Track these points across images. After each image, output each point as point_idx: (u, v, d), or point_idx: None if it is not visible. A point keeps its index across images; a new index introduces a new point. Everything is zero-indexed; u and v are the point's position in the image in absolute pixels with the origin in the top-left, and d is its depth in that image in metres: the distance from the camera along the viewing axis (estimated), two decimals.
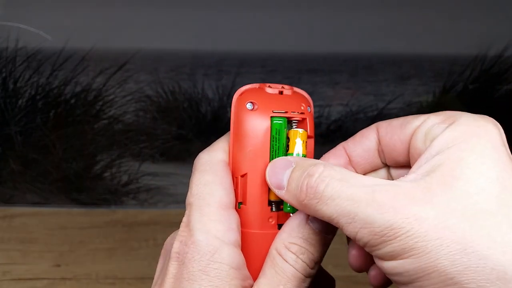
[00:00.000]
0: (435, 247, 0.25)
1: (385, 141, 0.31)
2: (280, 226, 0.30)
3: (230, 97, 0.94)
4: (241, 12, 0.84)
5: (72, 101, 0.92)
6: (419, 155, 0.29)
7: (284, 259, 0.29)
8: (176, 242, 0.31)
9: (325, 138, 0.93)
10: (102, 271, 0.84)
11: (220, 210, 0.30)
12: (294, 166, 0.29)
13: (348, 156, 0.32)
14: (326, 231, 0.29)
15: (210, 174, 0.31)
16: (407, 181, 0.27)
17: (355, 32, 0.86)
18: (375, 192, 0.26)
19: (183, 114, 0.96)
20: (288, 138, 0.31)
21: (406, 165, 0.31)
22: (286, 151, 0.31)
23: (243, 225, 0.31)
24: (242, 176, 0.31)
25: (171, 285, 0.30)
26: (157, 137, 0.95)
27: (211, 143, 0.38)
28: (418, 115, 0.30)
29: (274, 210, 0.31)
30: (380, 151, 0.32)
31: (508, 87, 0.92)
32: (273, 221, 0.30)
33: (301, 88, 0.33)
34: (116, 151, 0.96)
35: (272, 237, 0.30)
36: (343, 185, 0.27)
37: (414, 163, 0.29)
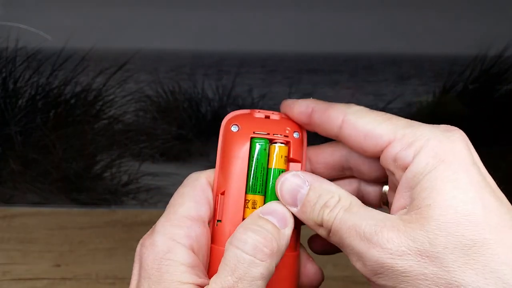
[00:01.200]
0: (422, 280, 0.25)
1: (349, 142, 0.32)
2: None
3: (230, 97, 0.94)
4: (241, 12, 0.84)
5: (72, 101, 0.92)
6: (393, 174, 0.30)
7: (234, 245, 0.28)
8: (138, 245, 0.32)
9: (326, 138, 0.93)
10: (102, 271, 0.84)
11: (184, 219, 0.31)
12: (308, 186, 0.30)
13: (311, 116, 0.33)
14: (280, 224, 0.30)
15: (186, 188, 0.32)
16: (397, 215, 0.28)
17: (355, 32, 0.86)
18: (366, 226, 0.27)
19: (183, 114, 0.96)
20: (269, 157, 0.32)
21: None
22: (266, 169, 0.31)
23: (218, 242, 0.32)
24: (222, 194, 0.31)
25: (134, 285, 0.31)
26: (157, 137, 0.95)
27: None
28: (385, 125, 0.30)
29: None
30: (344, 161, 0.33)
31: (508, 87, 0.92)
32: None
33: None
34: (116, 151, 0.96)
35: None
36: (346, 215, 0.28)
37: (391, 177, 0.31)
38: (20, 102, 0.91)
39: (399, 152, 0.29)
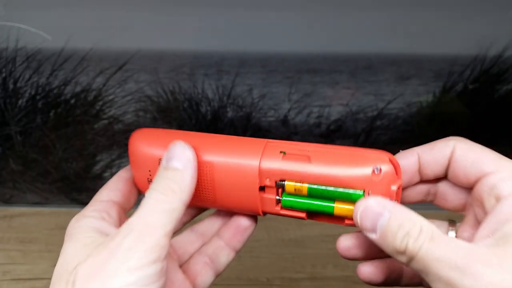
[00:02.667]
0: None
1: (453, 168, 0.34)
2: None
3: (230, 97, 0.94)
4: (241, 12, 0.84)
5: (72, 101, 0.92)
6: (482, 204, 0.32)
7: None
8: None
9: (325, 138, 0.93)
10: None
11: (94, 201, 0.46)
12: (389, 216, 0.30)
13: (419, 163, 0.34)
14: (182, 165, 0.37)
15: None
16: (484, 246, 0.29)
17: (355, 32, 0.86)
18: (457, 256, 0.28)
19: (183, 114, 0.96)
20: None
21: (456, 184, 0.34)
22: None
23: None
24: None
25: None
26: None
27: None
28: (493, 156, 0.32)
29: None
30: (445, 169, 0.34)
31: (508, 87, 0.92)
32: None
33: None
34: (116, 151, 0.96)
35: None
36: (432, 246, 0.29)
37: (476, 209, 0.33)
38: (20, 102, 0.91)
39: (498, 181, 0.31)
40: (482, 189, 0.32)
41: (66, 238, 0.38)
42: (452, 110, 0.93)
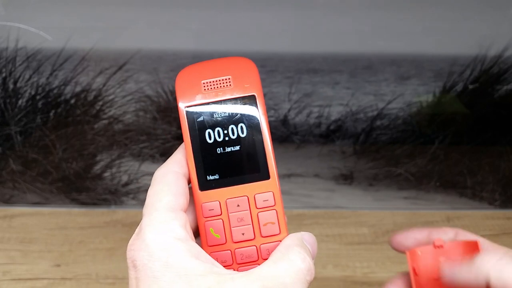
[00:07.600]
0: None
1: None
2: None
3: None
4: (241, 12, 0.84)
5: (72, 101, 0.92)
6: None
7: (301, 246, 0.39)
8: (129, 251, 0.33)
9: (325, 138, 0.93)
10: (102, 271, 0.84)
11: (167, 212, 0.34)
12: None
13: None
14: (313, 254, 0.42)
15: (159, 184, 0.36)
16: None
17: (355, 32, 0.86)
18: None
19: None
20: None
21: None
22: None
23: None
24: None
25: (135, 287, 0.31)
26: (157, 137, 0.95)
27: None
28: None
29: None
30: None
31: (508, 87, 0.92)
32: None
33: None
34: (116, 151, 0.96)
35: None
36: None
37: None
38: (20, 102, 0.91)
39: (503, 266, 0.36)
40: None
41: (157, 271, 0.31)
42: (452, 110, 0.93)
